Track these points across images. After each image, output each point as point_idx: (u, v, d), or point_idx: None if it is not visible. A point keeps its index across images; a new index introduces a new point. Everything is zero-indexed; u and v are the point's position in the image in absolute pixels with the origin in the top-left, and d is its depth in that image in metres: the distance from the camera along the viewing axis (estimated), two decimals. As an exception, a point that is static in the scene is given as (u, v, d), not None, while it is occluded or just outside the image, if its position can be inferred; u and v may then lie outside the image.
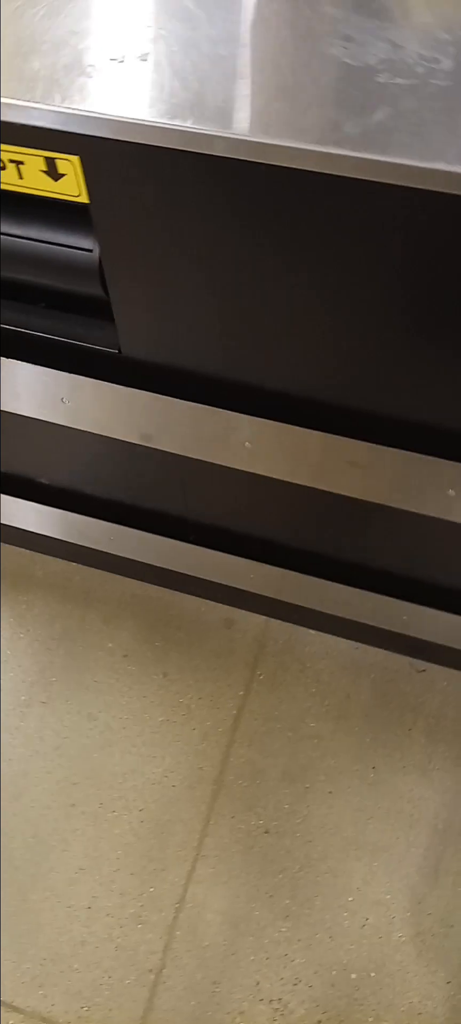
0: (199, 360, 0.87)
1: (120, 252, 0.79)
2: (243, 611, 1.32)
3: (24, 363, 0.94)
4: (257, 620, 1.33)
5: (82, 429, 0.99)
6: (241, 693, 1.27)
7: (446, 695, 1.23)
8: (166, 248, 0.77)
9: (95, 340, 0.90)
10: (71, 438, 1.02)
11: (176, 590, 1.33)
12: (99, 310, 0.87)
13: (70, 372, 0.94)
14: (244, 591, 1.21)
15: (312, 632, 1.30)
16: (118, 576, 1.37)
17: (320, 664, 1.29)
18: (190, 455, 0.96)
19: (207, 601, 1.34)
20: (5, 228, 0.82)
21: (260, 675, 1.30)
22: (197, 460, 0.96)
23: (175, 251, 0.77)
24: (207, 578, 1.22)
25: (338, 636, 1.28)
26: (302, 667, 1.29)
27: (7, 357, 0.93)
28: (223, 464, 0.95)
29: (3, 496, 1.23)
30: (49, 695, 1.28)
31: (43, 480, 1.20)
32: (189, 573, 1.22)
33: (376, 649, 1.27)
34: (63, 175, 0.72)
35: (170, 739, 1.23)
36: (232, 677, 1.30)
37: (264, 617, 1.33)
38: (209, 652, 1.33)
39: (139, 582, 1.37)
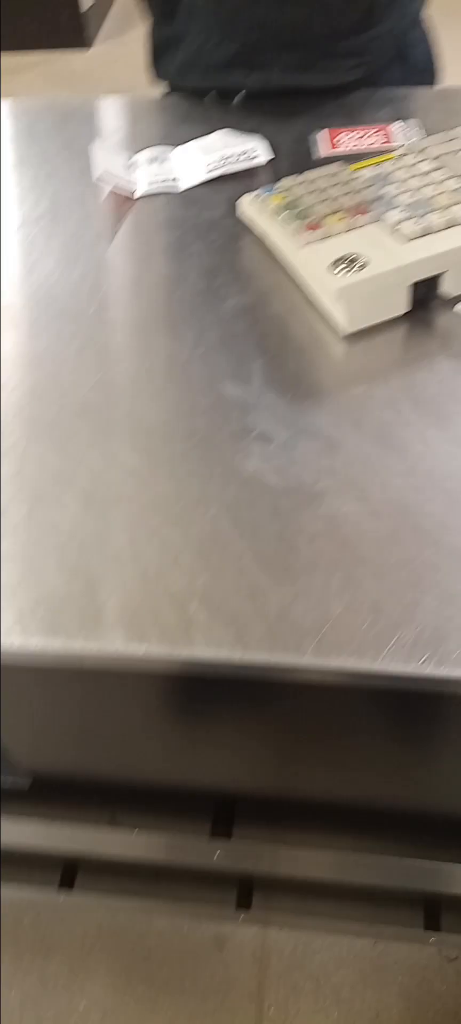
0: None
1: None
2: (231, 924, 1.11)
3: None
4: (251, 932, 1.12)
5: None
6: (252, 1043, 1.05)
7: (494, 1000, 1.04)
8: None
9: None
10: None
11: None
12: None
13: None
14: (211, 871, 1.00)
15: (320, 936, 1.10)
16: (80, 907, 1.15)
17: (337, 976, 1.08)
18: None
19: (186, 919, 1.13)
20: None
21: (270, 1008, 1.08)
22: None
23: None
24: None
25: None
26: (317, 984, 1.08)
27: None
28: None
29: None
30: None
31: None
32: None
33: (397, 944, 1.08)
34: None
35: None
36: (238, 1018, 1.08)
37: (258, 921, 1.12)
38: (203, 988, 1.10)
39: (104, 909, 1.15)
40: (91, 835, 0.81)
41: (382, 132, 0.77)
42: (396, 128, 0.77)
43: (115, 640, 0.45)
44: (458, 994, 1.06)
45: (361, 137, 0.77)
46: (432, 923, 0.90)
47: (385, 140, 0.76)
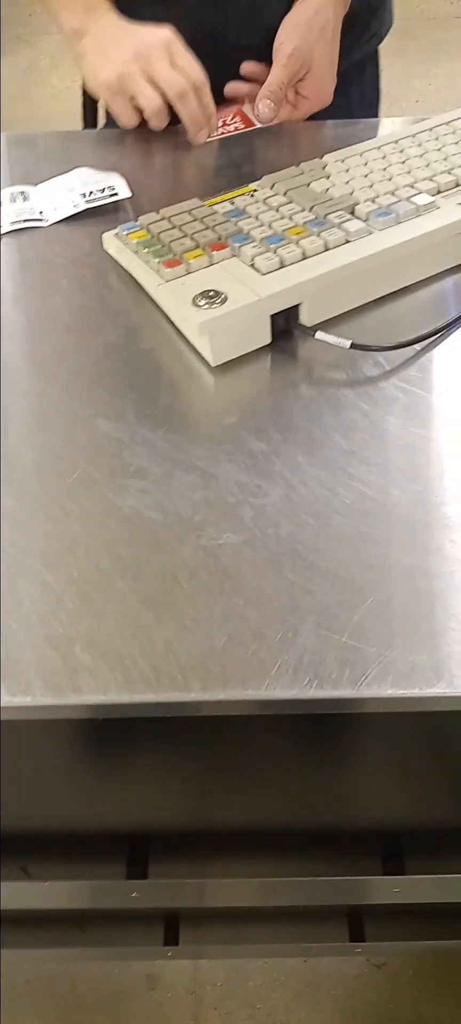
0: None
1: None
2: (161, 961, 1.10)
3: None
4: (183, 966, 1.11)
5: None
6: None
7: (419, 990, 1.07)
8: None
9: None
10: None
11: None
12: None
13: None
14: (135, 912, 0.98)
15: (251, 960, 1.10)
16: (5, 963, 1.11)
17: (271, 999, 1.09)
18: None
19: (116, 961, 1.11)
20: None
21: (206, 1039, 1.07)
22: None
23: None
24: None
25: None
26: (252, 1010, 1.08)
27: None
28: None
29: None
30: None
31: None
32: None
33: (327, 960, 1.10)
34: None
35: None
36: (175, 1056, 1.06)
37: (187, 955, 1.11)
38: (139, 1030, 1.08)
39: (31, 961, 1.11)
40: (6, 890, 0.78)
41: (239, 115, 0.84)
42: (247, 108, 0.84)
43: (-2, 690, 0.45)
44: (388, 1000, 1.09)
45: (223, 124, 0.83)
46: (357, 934, 0.92)
47: (243, 123, 0.83)
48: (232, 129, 0.83)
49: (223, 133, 0.83)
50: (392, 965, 1.10)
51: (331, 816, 0.71)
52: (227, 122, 0.84)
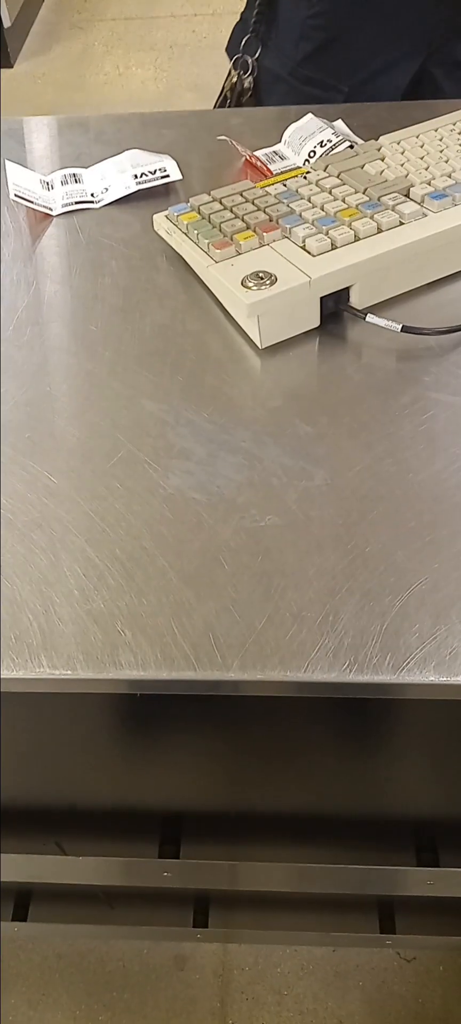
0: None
1: None
2: (190, 943, 1.11)
3: None
4: (211, 948, 1.11)
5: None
6: (215, 1057, 1.04)
7: (449, 986, 1.06)
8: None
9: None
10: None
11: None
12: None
13: None
14: (165, 892, 0.98)
15: (279, 947, 1.10)
16: (36, 937, 1.13)
17: (299, 986, 1.09)
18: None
19: (145, 940, 1.11)
20: None
21: None
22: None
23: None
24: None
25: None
26: (279, 996, 1.08)
27: None
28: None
29: None
30: None
31: None
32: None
33: (356, 950, 1.09)
34: None
35: None
36: (201, 1035, 1.07)
37: (216, 938, 1.11)
38: (166, 1009, 1.09)
39: (61, 936, 1.13)
40: (39, 864, 0.80)
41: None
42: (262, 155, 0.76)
43: (41, 665, 0.45)
44: (417, 994, 1.08)
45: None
46: (387, 926, 0.91)
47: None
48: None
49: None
50: (422, 959, 1.09)
51: (365, 804, 0.71)
52: None
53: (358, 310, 0.58)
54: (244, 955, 1.14)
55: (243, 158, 0.75)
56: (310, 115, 0.77)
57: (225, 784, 0.69)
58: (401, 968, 1.10)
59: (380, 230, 0.59)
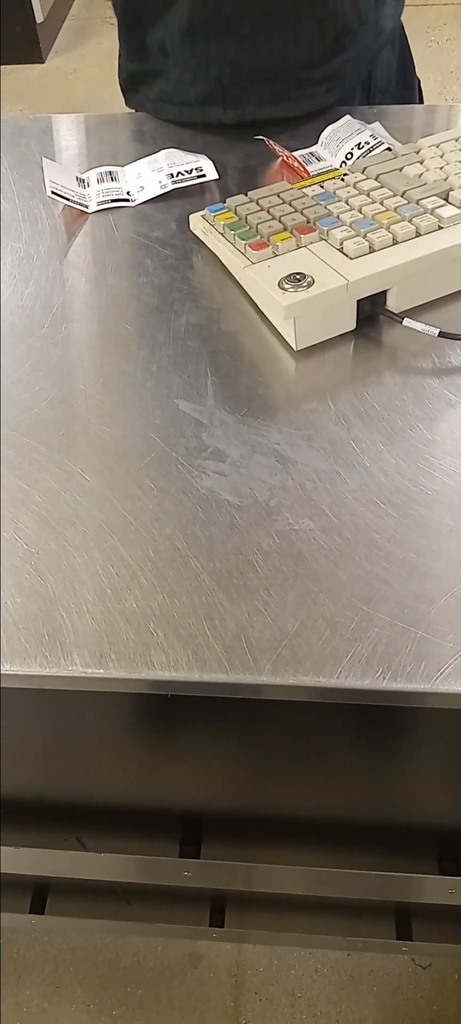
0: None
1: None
2: (205, 941, 1.11)
3: None
4: (226, 948, 1.11)
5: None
6: (228, 1058, 1.04)
7: (464, 996, 1.05)
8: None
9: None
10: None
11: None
12: None
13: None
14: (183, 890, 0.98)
15: (294, 949, 1.10)
16: (52, 930, 1.13)
17: (313, 989, 1.08)
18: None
19: (162, 937, 1.12)
20: None
21: None
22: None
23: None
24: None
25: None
26: (293, 998, 1.08)
27: None
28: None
29: None
30: None
31: None
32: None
33: (371, 955, 1.09)
34: None
35: None
36: (213, 1034, 1.07)
37: (232, 938, 1.11)
38: (179, 1007, 1.10)
39: (77, 930, 1.13)
40: (59, 858, 0.80)
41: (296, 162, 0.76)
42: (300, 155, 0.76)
43: (73, 662, 0.45)
44: (432, 1001, 1.07)
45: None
46: (404, 933, 0.90)
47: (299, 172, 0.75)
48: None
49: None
50: (437, 967, 1.08)
51: (387, 810, 0.70)
52: None
53: (395, 314, 0.57)
54: (258, 956, 1.14)
55: (280, 159, 0.75)
56: (348, 116, 0.76)
57: (246, 786, 0.69)
58: (416, 975, 1.09)
59: (418, 234, 0.59)
